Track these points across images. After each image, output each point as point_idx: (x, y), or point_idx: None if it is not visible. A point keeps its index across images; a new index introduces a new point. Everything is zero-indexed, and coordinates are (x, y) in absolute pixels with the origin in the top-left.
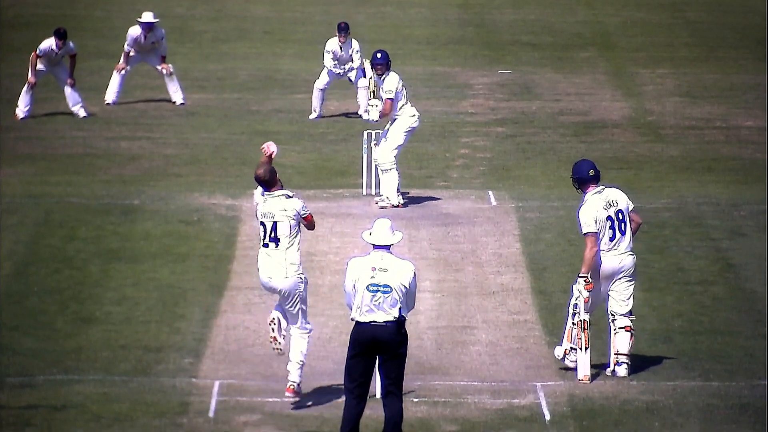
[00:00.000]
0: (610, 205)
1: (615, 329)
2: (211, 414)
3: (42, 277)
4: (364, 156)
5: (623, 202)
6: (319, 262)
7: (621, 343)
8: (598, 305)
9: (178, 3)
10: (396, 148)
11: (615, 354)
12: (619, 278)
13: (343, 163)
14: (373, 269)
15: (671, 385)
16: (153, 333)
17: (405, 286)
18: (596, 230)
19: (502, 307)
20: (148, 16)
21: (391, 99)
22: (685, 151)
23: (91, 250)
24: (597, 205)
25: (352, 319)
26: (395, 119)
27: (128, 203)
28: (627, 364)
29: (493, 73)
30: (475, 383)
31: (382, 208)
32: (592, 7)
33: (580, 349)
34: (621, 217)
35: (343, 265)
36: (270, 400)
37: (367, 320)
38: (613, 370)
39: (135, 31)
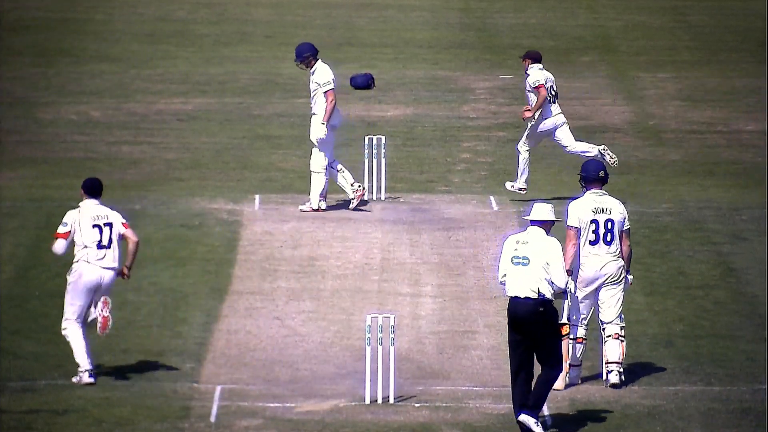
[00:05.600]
0: (601, 210)
1: (605, 338)
2: (212, 419)
3: (43, 281)
4: (366, 161)
5: (617, 214)
6: (321, 267)
7: (611, 351)
8: (588, 313)
9: (180, 6)
10: (326, 151)
11: (606, 363)
12: (604, 285)
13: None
14: (517, 242)
15: (673, 390)
16: (154, 337)
17: (545, 261)
18: (578, 227)
19: (503, 311)
20: None
21: (332, 89)
22: (686, 155)
23: None
24: (587, 205)
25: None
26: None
27: (129, 207)
28: (618, 371)
29: (495, 77)
30: (477, 388)
31: (302, 211)
32: (594, 11)
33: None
34: (609, 227)
35: (344, 269)
36: (271, 404)
37: (512, 294)
38: (606, 379)
39: None
